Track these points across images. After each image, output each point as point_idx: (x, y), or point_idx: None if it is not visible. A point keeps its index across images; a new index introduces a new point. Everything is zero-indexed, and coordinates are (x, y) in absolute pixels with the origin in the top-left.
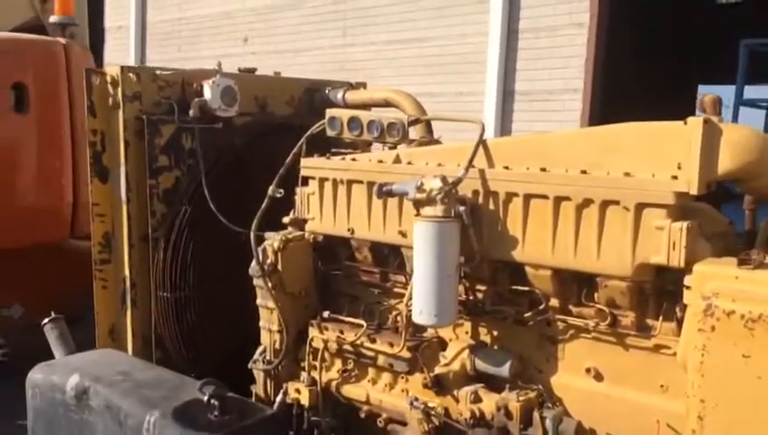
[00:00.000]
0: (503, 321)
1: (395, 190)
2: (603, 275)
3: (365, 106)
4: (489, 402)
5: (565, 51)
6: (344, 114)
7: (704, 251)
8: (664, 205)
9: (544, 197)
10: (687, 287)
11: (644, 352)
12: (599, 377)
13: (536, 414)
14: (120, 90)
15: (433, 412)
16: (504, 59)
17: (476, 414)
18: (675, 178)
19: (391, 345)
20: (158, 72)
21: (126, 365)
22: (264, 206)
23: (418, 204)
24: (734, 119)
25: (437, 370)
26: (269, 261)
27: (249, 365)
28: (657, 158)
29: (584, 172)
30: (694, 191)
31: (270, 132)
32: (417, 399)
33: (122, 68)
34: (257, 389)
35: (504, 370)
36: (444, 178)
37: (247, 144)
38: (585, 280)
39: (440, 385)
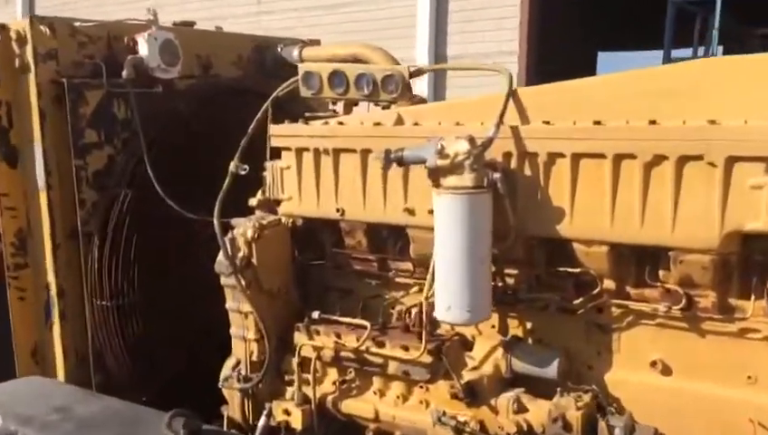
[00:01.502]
0: (542, 310)
1: (407, 157)
2: (679, 249)
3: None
4: (538, 411)
5: (498, 12)
6: (323, 68)
7: None
8: (762, 158)
9: (600, 156)
10: None
11: (726, 338)
12: (666, 371)
13: (602, 423)
14: (29, 48)
15: (468, 429)
16: (435, 22)
17: (523, 427)
18: None
19: (406, 349)
20: (77, 24)
21: (61, 397)
22: (225, 186)
23: (440, 172)
24: None
25: (467, 375)
26: (240, 254)
27: (220, 385)
28: (749, 100)
29: (653, 123)
30: None
31: (220, 97)
32: (444, 413)
33: (32, 19)
34: (231, 412)
35: (552, 370)
36: (471, 139)
37: (195, 112)
38: (648, 256)
39: (474, 394)
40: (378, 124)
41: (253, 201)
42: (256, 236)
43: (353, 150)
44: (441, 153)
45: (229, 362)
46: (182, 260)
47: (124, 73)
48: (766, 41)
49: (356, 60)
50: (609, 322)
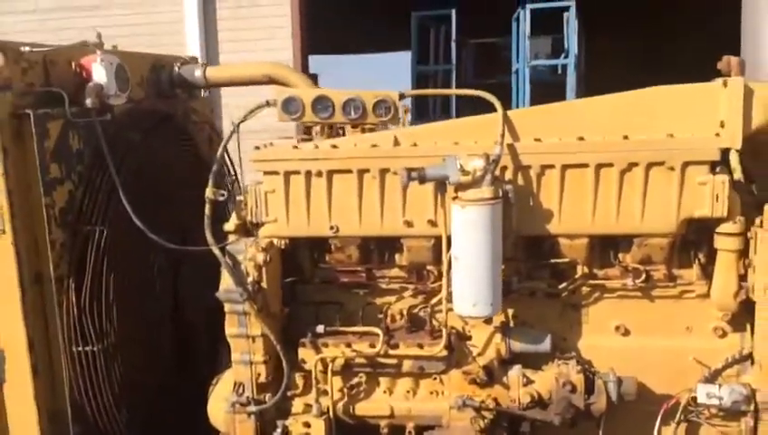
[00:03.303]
0: (529, 297)
1: (429, 175)
2: (645, 235)
3: (233, 84)
4: (543, 381)
5: (268, 21)
6: (305, 94)
7: (737, 201)
8: (708, 161)
9: (584, 166)
10: (723, 234)
11: (669, 300)
12: (626, 333)
13: (599, 381)
14: None
15: (489, 406)
16: (204, 28)
17: (534, 396)
18: (717, 135)
19: (421, 347)
20: (21, 48)
21: None
22: (208, 212)
23: (461, 187)
24: (413, 83)
25: (480, 361)
26: (251, 279)
27: (227, 410)
28: (697, 118)
29: (626, 137)
30: (737, 146)
31: (161, 124)
32: (468, 397)
33: None
34: None
35: (545, 346)
36: (487, 157)
37: (146, 140)
38: (611, 243)
39: (491, 376)
40: (374, 146)
41: (229, 226)
42: (268, 259)
43: (349, 171)
44: (463, 170)
45: (227, 387)
46: (144, 293)
47: (88, 102)
48: (481, 47)
49: (270, 80)
50: (579, 299)
